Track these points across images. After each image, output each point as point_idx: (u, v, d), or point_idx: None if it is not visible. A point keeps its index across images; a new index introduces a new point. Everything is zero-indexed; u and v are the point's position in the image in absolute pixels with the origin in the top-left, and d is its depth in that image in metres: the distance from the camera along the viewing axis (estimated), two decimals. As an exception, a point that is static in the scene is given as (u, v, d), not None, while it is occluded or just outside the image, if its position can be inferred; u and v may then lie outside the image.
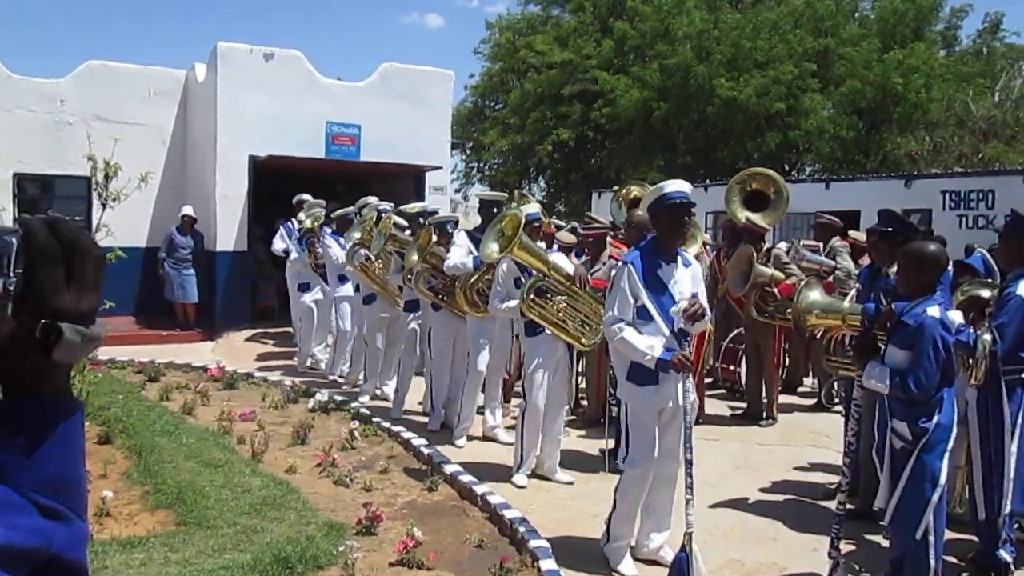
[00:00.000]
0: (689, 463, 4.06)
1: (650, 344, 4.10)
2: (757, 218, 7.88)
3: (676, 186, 4.30)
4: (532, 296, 5.58)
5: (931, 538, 3.71)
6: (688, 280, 4.30)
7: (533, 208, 6.16)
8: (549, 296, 5.65)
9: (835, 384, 8.25)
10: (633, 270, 4.20)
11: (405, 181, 12.80)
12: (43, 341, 0.90)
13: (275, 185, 11.96)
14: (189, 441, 6.33)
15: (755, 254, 7.33)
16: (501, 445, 6.57)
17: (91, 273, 0.96)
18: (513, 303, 5.75)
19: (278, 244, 10.36)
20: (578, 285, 5.64)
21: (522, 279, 5.77)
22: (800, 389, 8.95)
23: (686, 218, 4.34)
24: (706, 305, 4.38)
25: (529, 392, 5.73)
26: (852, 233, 9.24)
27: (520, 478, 5.73)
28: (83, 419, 1.00)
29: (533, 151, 24.93)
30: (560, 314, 5.63)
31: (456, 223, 7.35)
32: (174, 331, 11.60)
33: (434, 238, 6.92)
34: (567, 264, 5.82)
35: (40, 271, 0.92)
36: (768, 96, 20.41)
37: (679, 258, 4.33)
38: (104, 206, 6.54)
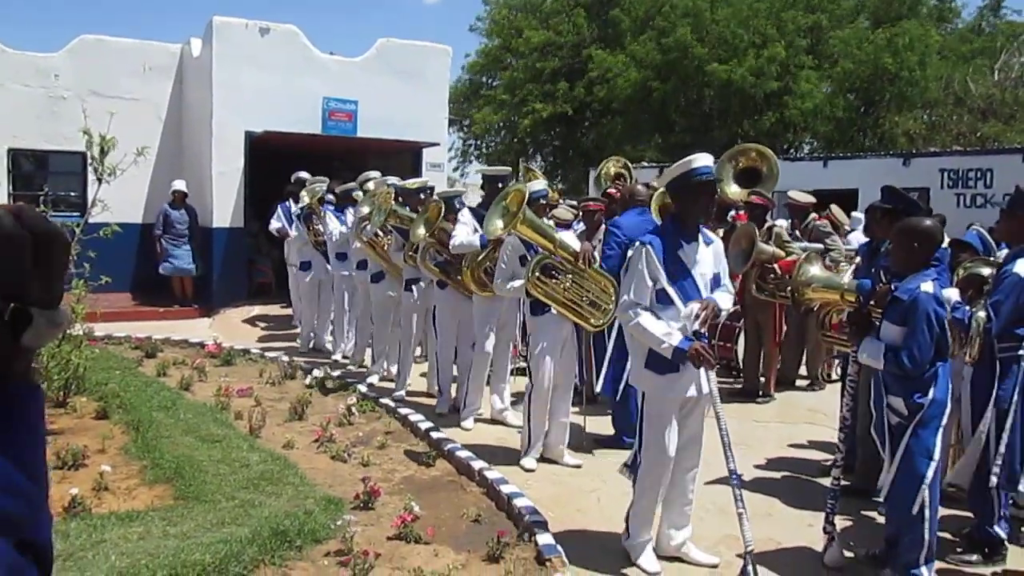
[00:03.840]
0: (734, 474, 3.78)
1: (667, 331, 3.82)
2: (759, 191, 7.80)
3: (703, 161, 3.96)
4: (537, 275, 5.40)
5: (927, 512, 3.74)
6: (710, 259, 4.03)
7: (539, 184, 5.99)
8: (555, 275, 5.45)
9: (822, 372, 8.27)
10: (652, 251, 3.88)
11: (402, 157, 12.75)
12: (12, 325, 0.90)
13: (271, 161, 11.91)
14: (187, 416, 6.33)
15: (757, 232, 7.27)
16: (508, 427, 6.47)
17: (57, 260, 0.97)
18: (519, 283, 5.52)
19: (274, 224, 10.35)
20: (583, 263, 5.39)
21: (528, 257, 5.55)
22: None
23: (714, 196, 4.09)
24: (728, 285, 4.16)
25: (535, 373, 5.55)
26: (834, 209, 9.17)
27: (529, 461, 5.59)
28: (44, 405, 1.01)
29: (517, 126, 25.06)
30: (567, 293, 5.43)
31: (462, 198, 7.08)
32: (171, 307, 11.59)
33: (441, 213, 6.67)
34: (575, 242, 5.57)
35: (7, 258, 0.92)
36: (763, 76, 20.36)
37: (700, 236, 4.03)
38: (100, 181, 6.52)
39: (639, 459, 4.10)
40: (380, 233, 7.53)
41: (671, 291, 3.88)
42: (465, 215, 6.46)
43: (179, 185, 11.63)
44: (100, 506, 4.53)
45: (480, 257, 6.23)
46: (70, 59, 12.24)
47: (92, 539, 3.96)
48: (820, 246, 7.56)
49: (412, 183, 7.63)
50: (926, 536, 3.75)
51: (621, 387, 5.98)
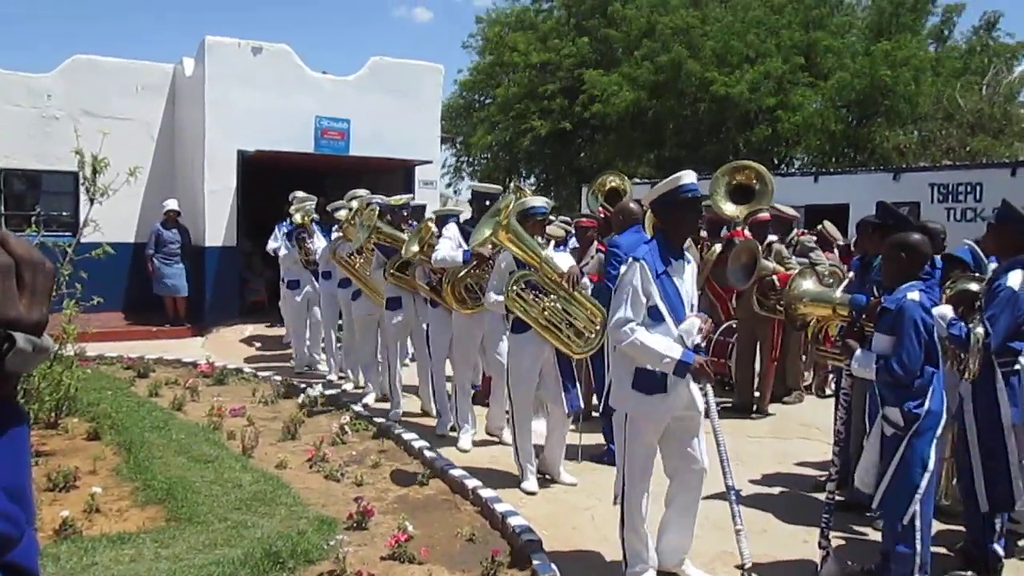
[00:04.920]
0: (732, 490, 3.76)
1: (668, 346, 3.76)
2: (743, 207, 7.83)
3: (690, 178, 3.95)
4: (516, 290, 5.29)
5: (917, 523, 3.74)
6: (691, 279, 4.04)
7: (539, 201, 5.83)
8: (537, 294, 5.33)
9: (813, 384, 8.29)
10: (646, 266, 3.84)
11: (395, 175, 12.78)
12: None
13: (264, 180, 11.92)
14: (179, 437, 6.29)
15: (759, 248, 7.25)
16: (504, 446, 6.37)
17: (42, 286, 0.99)
18: (501, 297, 5.42)
19: (271, 244, 10.33)
20: (568, 285, 5.25)
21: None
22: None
23: (700, 213, 4.10)
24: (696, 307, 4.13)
25: (514, 393, 5.50)
26: (826, 225, 9.23)
27: (530, 484, 5.49)
28: (29, 429, 1.02)
29: (515, 145, 25.06)
30: (546, 313, 5.29)
31: (459, 217, 6.90)
32: (163, 326, 11.55)
33: (435, 231, 6.57)
34: (564, 263, 5.41)
35: None
36: (759, 91, 20.48)
37: (684, 255, 4.03)
38: (92, 201, 6.52)
39: (624, 482, 4.00)
40: (354, 252, 7.50)
41: (663, 307, 3.84)
42: (450, 229, 6.34)
43: (172, 204, 11.60)
44: (91, 528, 4.49)
45: (461, 273, 6.14)
46: (62, 79, 12.27)
47: (83, 562, 3.93)
48: (806, 260, 7.59)
49: (396, 199, 7.60)
50: (918, 547, 3.74)
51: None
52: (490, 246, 5.70)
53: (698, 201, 4.00)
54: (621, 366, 3.99)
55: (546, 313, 5.31)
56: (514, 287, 5.32)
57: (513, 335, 5.54)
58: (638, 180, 18.17)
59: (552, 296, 5.33)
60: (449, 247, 6.14)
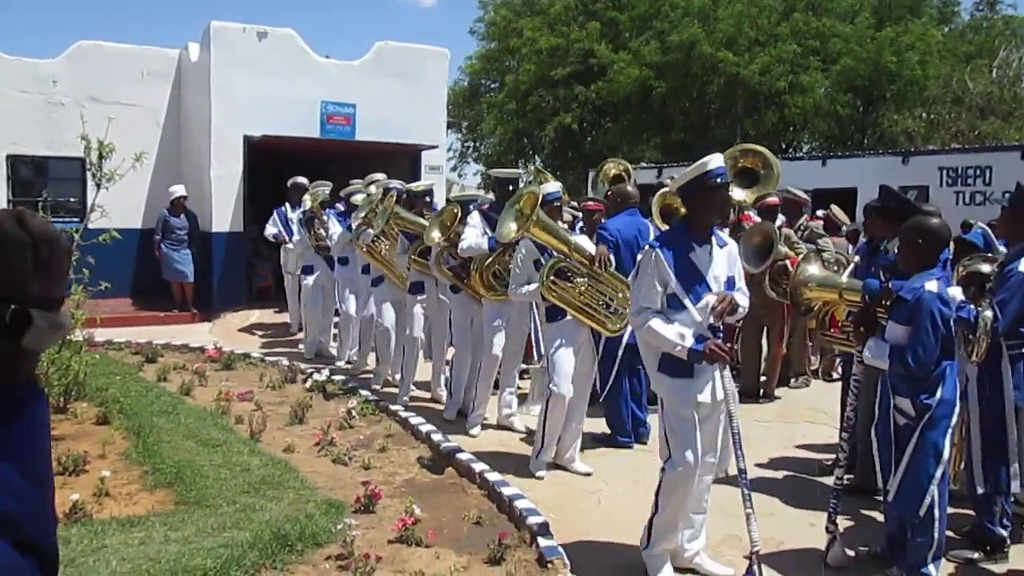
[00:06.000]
0: (743, 472, 3.76)
1: (680, 333, 3.74)
2: (748, 192, 7.79)
3: (718, 162, 3.86)
4: (552, 278, 5.29)
5: (936, 512, 3.72)
6: (724, 262, 3.93)
7: (553, 186, 5.84)
8: (570, 278, 5.34)
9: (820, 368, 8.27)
10: (661, 255, 3.79)
11: (401, 160, 12.75)
12: (12, 327, 0.91)
13: (270, 165, 11.91)
14: (187, 421, 6.32)
15: (775, 230, 7.19)
16: (513, 432, 6.41)
17: (58, 263, 0.99)
18: (533, 287, 5.39)
19: (270, 229, 10.33)
20: (599, 266, 5.31)
21: (542, 261, 5.42)
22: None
23: (728, 197, 4.05)
24: (744, 288, 4.02)
25: (553, 380, 5.43)
26: (834, 208, 9.21)
27: (540, 470, 5.50)
28: (48, 408, 1.01)
29: (532, 135, 24.92)
30: (582, 297, 5.32)
31: (478, 203, 6.83)
32: (171, 312, 11.58)
33: (458, 217, 6.52)
34: (589, 245, 5.48)
35: (9, 260, 0.93)
36: (770, 74, 20.38)
37: (713, 239, 3.93)
38: (98, 187, 6.53)
39: (665, 467, 3.97)
40: (378, 237, 7.50)
41: (682, 295, 3.80)
42: (474, 218, 6.32)
43: (179, 190, 11.57)
44: (101, 512, 4.52)
45: (488, 260, 6.15)
46: (68, 65, 12.25)
47: (93, 545, 3.96)
48: (813, 246, 7.54)
49: (418, 186, 7.60)
50: (935, 535, 3.75)
51: (607, 387, 6.01)
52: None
53: (726, 186, 3.94)
54: (649, 350, 3.99)
55: (583, 297, 5.33)
56: (549, 276, 5.30)
57: (548, 323, 5.54)
58: (645, 164, 18.13)
59: (582, 279, 5.36)
60: (475, 236, 6.15)
